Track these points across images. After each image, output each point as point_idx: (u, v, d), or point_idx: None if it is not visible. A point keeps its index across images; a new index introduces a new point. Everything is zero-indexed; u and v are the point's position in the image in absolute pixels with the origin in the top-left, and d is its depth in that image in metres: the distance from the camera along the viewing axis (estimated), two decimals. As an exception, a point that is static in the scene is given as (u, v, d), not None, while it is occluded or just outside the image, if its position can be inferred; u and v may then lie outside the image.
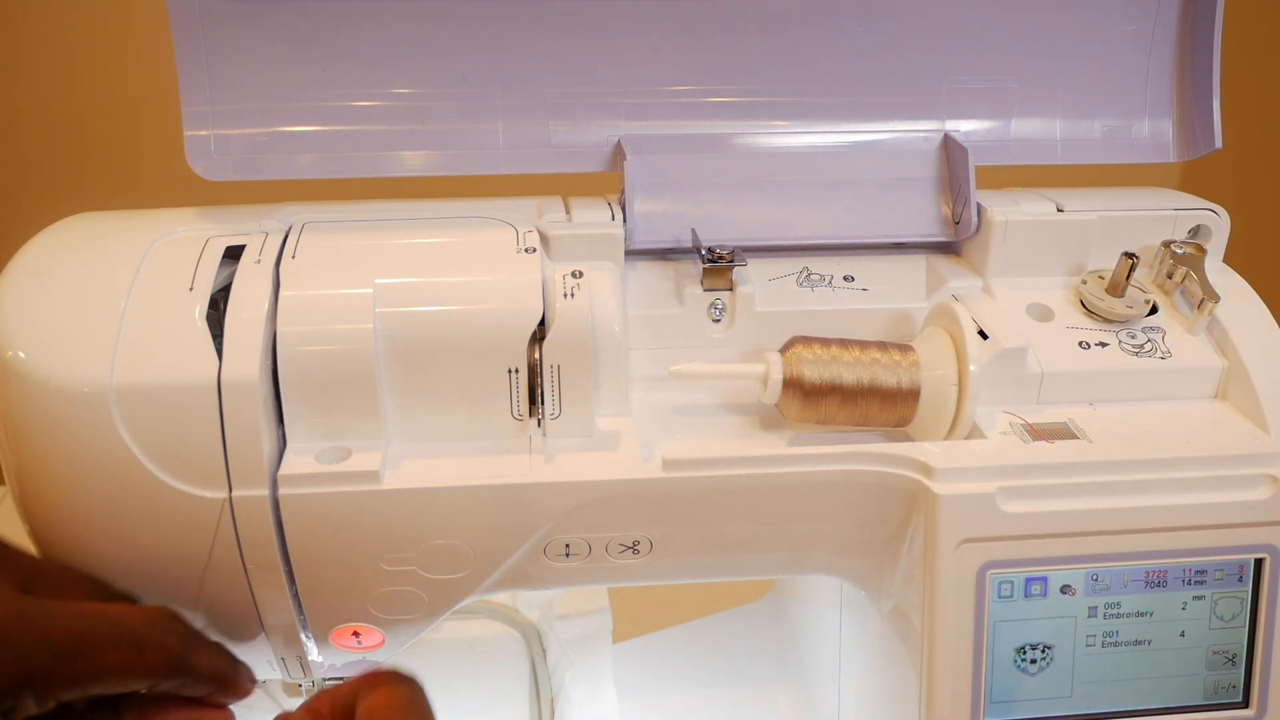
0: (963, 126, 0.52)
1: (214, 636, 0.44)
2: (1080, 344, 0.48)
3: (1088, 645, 0.45)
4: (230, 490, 0.41)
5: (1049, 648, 0.45)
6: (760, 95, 0.51)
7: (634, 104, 0.50)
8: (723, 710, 0.64)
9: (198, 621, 0.44)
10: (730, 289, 0.48)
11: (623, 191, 0.48)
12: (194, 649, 0.40)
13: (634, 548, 0.45)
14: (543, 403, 0.43)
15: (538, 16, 0.49)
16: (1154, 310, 0.50)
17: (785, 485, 0.44)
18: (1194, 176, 1.05)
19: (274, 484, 0.41)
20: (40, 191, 1.11)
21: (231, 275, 0.43)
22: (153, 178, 0.83)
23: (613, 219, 0.47)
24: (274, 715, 0.41)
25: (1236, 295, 0.50)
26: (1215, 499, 0.44)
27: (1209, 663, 0.46)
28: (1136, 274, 0.49)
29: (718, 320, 0.49)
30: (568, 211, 0.48)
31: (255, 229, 0.45)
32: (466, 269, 0.44)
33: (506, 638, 0.68)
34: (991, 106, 0.52)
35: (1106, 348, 0.48)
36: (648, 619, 0.70)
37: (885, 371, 0.45)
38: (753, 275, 0.49)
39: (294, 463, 0.42)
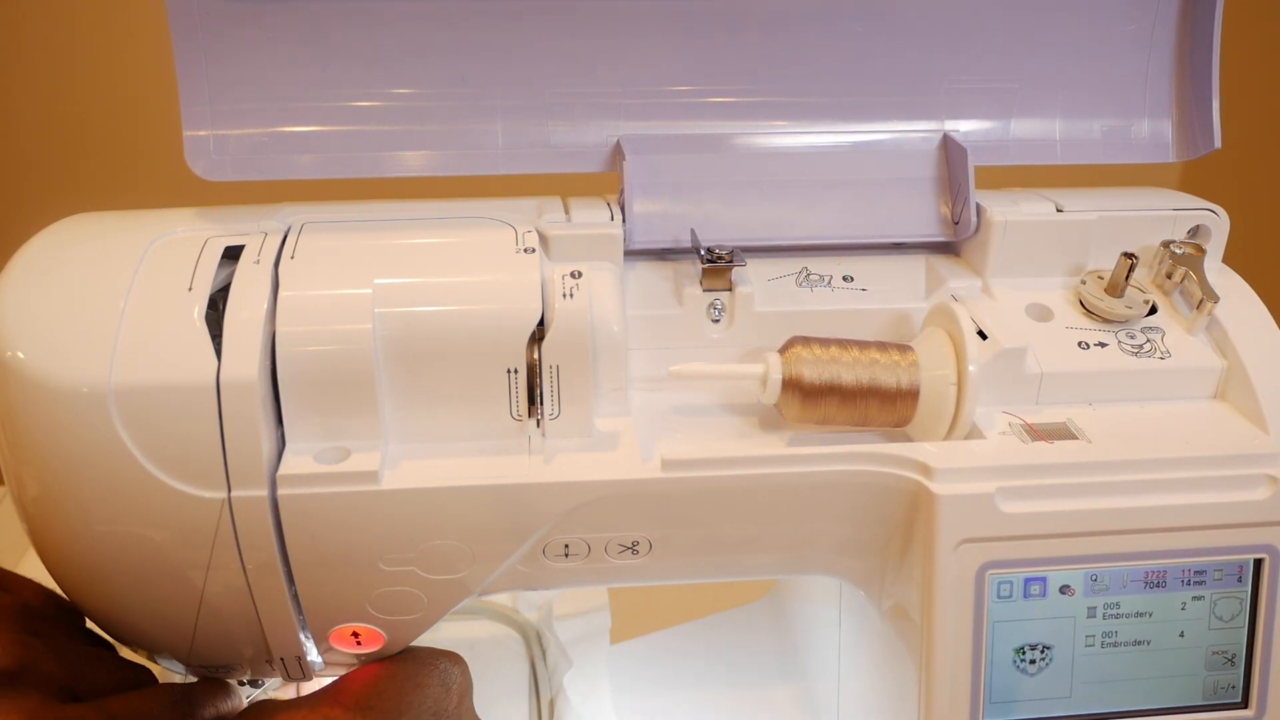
0: (962, 126, 0.52)
1: (213, 638, 0.45)
2: (1079, 344, 0.48)
3: (1087, 645, 0.45)
4: (229, 490, 0.41)
5: (1048, 648, 0.45)
6: (760, 95, 0.51)
7: (634, 104, 0.50)
8: (722, 710, 0.64)
9: (199, 622, 0.44)
10: (729, 289, 0.48)
11: (622, 192, 0.48)
12: (198, 706, 0.45)
13: (633, 548, 0.45)
14: (542, 403, 0.43)
15: (538, 16, 0.48)
16: (1153, 310, 0.50)
17: (784, 486, 0.44)
18: (1194, 176, 1.05)
19: (273, 484, 0.41)
20: (40, 191, 1.11)
21: (230, 275, 0.43)
22: (152, 178, 0.83)
23: (612, 219, 0.47)
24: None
25: (1236, 295, 0.50)
26: (1214, 499, 0.44)
27: (1208, 663, 0.46)
28: (1136, 274, 0.49)
29: (717, 320, 0.49)
30: (567, 212, 0.48)
31: (254, 229, 0.45)
32: (466, 269, 0.44)
33: (505, 638, 0.68)
34: (991, 106, 0.52)
35: (1106, 348, 0.48)
36: (647, 619, 0.70)
37: (884, 372, 0.45)
38: (752, 275, 0.49)
39: (293, 463, 0.42)
